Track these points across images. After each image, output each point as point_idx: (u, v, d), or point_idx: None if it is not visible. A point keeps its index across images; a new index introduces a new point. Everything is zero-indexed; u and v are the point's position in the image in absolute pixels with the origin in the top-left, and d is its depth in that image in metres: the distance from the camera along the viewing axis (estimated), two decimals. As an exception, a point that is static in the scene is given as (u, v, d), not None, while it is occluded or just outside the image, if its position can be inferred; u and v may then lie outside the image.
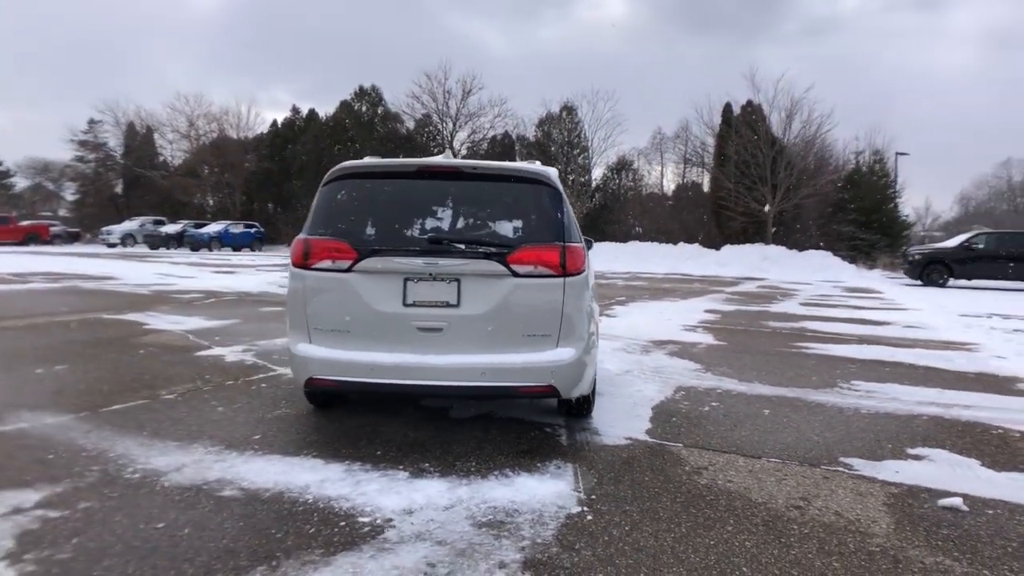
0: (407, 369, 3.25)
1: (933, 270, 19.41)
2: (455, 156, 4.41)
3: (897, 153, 34.27)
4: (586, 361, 3.43)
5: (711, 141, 34.69)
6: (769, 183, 28.97)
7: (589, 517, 2.66)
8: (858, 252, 30.22)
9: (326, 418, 3.93)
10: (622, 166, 39.20)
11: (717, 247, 28.92)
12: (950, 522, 2.66)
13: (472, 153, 37.03)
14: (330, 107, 42.03)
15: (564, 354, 3.34)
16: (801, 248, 28.03)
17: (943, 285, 19.08)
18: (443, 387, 3.29)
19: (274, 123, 42.33)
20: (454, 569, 2.23)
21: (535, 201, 3.44)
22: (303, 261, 3.41)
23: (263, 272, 17.34)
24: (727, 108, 33.37)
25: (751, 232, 29.58)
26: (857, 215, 30.79)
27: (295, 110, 42.19)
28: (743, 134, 30.15)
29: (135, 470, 3.02)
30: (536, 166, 3.58)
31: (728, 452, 3.50)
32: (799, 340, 7.61)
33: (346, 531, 2.48)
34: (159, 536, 2.39)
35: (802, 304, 12.44)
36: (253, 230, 34.54)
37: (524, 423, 3.94)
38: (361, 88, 39.89)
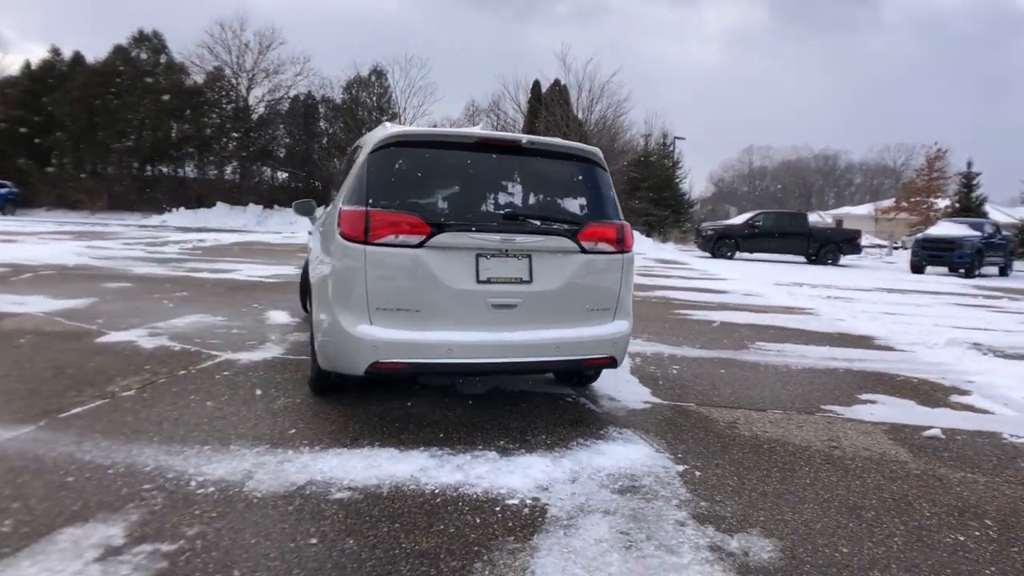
0: (484, 347, 3.17)
1: (723, 244, 22.69)
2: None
3: (676, 137, 39.09)
4: (630, 332, 3.65)
5: (520, 117, 36.15)
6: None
7: (698, 473, 2.92)
8: (652, 227, 34.03)
9: (341, 405, 3.63)
10: (434, 137, 39.12)
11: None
12: (943, 447, 3.42)
13: (273, 113, 34.18)
14: (99, 51, 35.53)
15: (621, 326, 3.52)
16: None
17: (731, 257, 22.40)
18: (517, 363, 3.28)
19: (27, 66, 34.58)
20: (648, 533, 2.34)
21: (591, 178, 3.52)
22: (362, 235, 3.11)
23: (55, 241, 14.46)
24: (536, 85, 35.03)
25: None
26: (649, 193, 34.61)
27: (55, 52, 34.90)
28: (555, 112, 31.95)
29: (200, 483, 2.57)
30: (583, 144, 3.65)
31: (736, 407, 3.99)
32: (674, 308, 8.58)
33: (511, 515, 2.44)
34: (327, 552, 2.12)
35: (636, 275, 13.86)
36: (4, 190, 28.23)
37: (540, 395, 4.04)
38: (141, 32, 34.24)
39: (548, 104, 32.92)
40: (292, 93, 33.35)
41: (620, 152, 33.08)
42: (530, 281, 3.28)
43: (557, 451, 3.11)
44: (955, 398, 4.41)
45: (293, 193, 31.79)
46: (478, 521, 2.39)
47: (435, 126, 38.54)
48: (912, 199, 32.50)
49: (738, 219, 24.51)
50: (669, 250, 26.96)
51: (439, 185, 3.24)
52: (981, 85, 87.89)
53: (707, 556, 2.22)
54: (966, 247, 17.92)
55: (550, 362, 3.33)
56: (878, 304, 10.04)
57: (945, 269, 19.05)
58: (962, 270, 18.32)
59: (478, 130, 3.49)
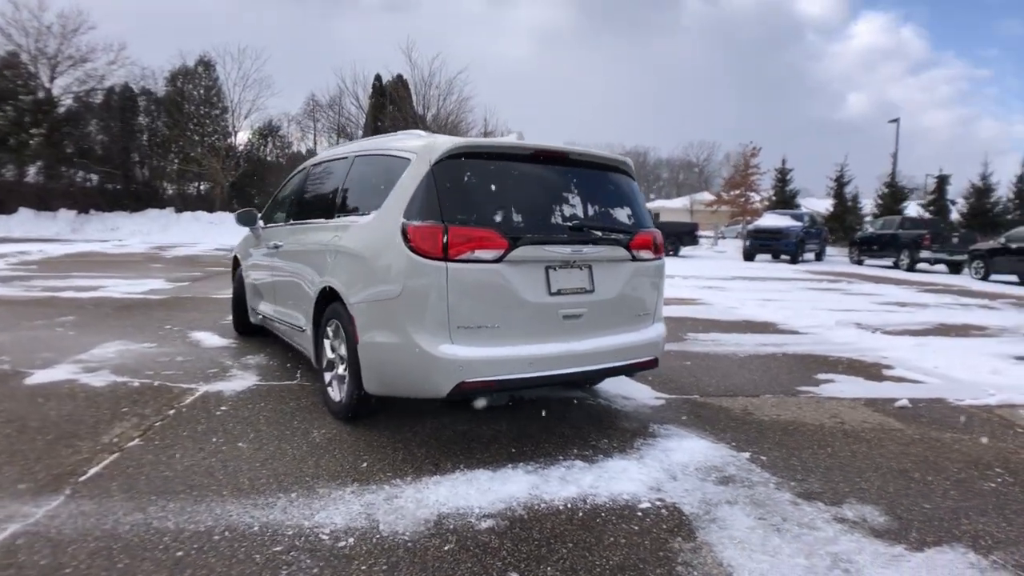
0: (559, 358, 3.21)
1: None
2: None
3: (514, 133, 40.43)
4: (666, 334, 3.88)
5: (359, 112, 35.23)
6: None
7: (763, 458, 3.23)
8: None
9: (381, 430, 3.46)
10: (270, 131, 36.74)
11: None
12: (918, 414, 4.08)
13: (84, 106, 29.87)
14: None
15: (660, 329, 3.74)
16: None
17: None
18: (585, 372, 3.35)
19: None
20: (782, 515, 2.59)
21: (629, 188, 3.69)
22: (440, 252, 2.98)
23: None
24: (378, 80, 34.34)
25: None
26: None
27: None
28: (404, 109, 31.56)
29: (331, 534, 2.37)
30: (618, 155, 3.79)
31: (733, 396, 4.40)
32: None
33: (657, 518, 2.56)
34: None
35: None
36: None
37: (556, 400, 4.14)
38: None
39: (393, 99, 32.39)
40: (106, 84, 29.34)
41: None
42: (592, 291, 3.37)
43: (631, 452, 3.25)
44: (887, 372, 5.24)
45: (111, 196, 28.06)
46: (636, 528, 2.47)
47: (271, 122, 36.27)
48: (732, 192, 36.64)
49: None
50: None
51: (505, 198, 3.20)
52: (769, 86, 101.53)
53: (841, 527, 2.51)
54: (791, 236, 20.76)
55: (610, 368, 3.45)
56: (749, 292, 11.36)
57: (769, 256, 21.92)
58: (787, 257, 21.19)
59: (531, 141, 3.47)
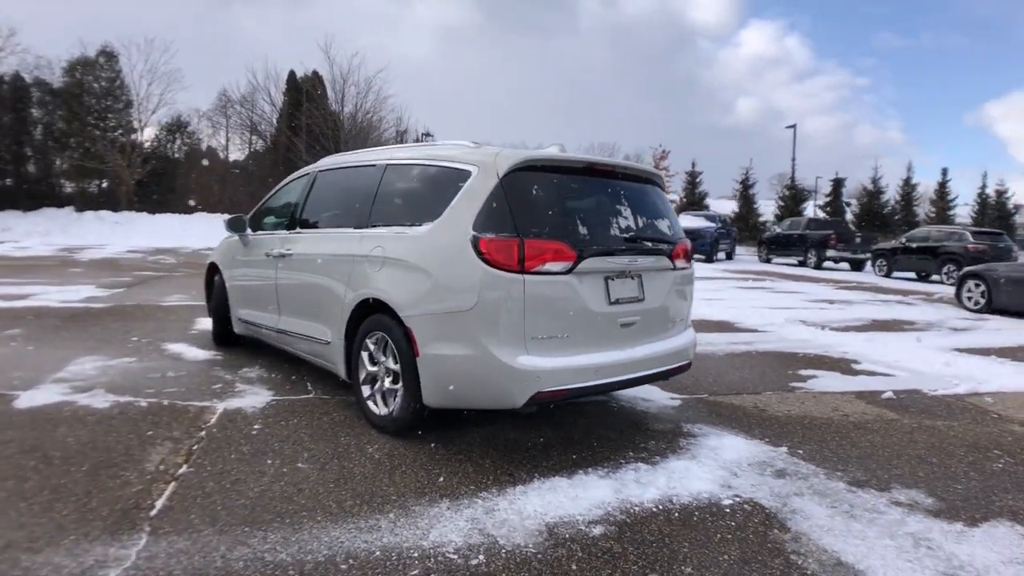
0: (620, 365, 3.32)
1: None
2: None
3: (424, 134, 40.01)
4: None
5: (272, 109, 33.88)
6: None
7: (800, 451, 3.50)
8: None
9: (435, 442, 3.45)
10: (179, 127, 34.51)
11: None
12: (906, 404, 4.52)
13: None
14: None
15: (692, 333, 3.95)
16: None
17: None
18: (638, 378, 3.48)
19: None
20: (848, 503, 2.84)
21: (662, 199, 3.85)
22: (516, 264, 3.02)
23: None
24: (292, 77, 33.11)
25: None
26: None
27: None
28: (322, 106, 30.61)
29: (457, 551, 2.37)
30: (651, 168, 3.94)
31: (737, 394, 4.69)
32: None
33: (745, 514, 2.74)
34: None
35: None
36: None
37: (580, 404, 4.24)
38: None
39: (311, 96, 31.33)
40: (-8, 75, 26.58)
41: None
42: (643, 299, 3.51)
43: (683, 452, 3.42)
44: (856, 366, 5.74)
45: (1, 194, 25.41)
46: (732, 524, 2.64)
47: (180, 117, 34.04)
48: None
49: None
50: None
51: (567, 210, 3.27)
52: (665, 89, 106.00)
53: (901, 510, 2.80)
54: (707, 237, 21.94)
55: (656, 373, 3.60)
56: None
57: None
58: (702, 256, 22.38)
59: (583, 155, 3.55)
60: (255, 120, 35.63)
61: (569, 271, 3.16)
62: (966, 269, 10.60)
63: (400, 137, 37.33)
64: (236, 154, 37.59)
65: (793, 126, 37.40)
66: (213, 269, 5.80)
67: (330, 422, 3.71)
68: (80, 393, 4.02)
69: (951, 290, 11.65)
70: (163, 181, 30.96)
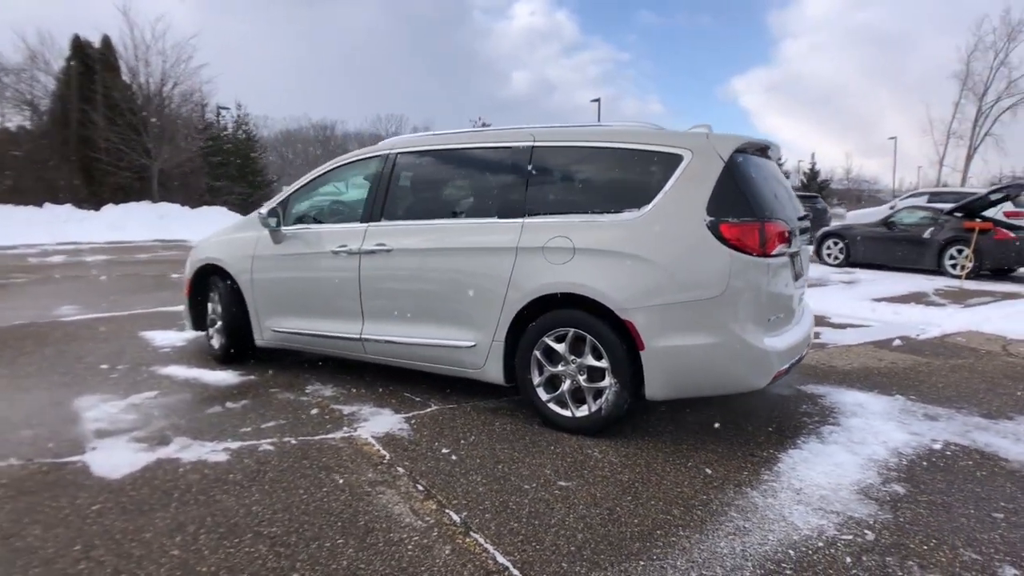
0: (800, 343, 3.49)
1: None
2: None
3: (220, 107, 35.95)
4: None
5: (54, 80, 27.84)
6: (151, 134, 26.27)
7: (913, 396, 4.04)
8: (237, 207, 31.42)
9: (636, 434, 3.36)
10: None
11: (96, 207, 24.65)
12: (920, 348, 5.36)
13: None
14: None
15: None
16: (193, 205, 27.20)
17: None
18: (802, 357, 3.66)
19: None
20: (1016, 434, 3.37)
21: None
22: (759, 248, 3.02)
23: None
24: (77, 43, 27.42)
25: (136, 189, 26.39)
26: (231, 170, 31.72)
27: None
28: (117, 80, 25.91)
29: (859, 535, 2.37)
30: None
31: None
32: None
33: (968, 451, 3.14)
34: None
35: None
36: None
37: None
38: None
39: (110, 67, 26.25)
40: None
41: (203, 127, 29.42)
42: (803, 274, 3.72)
43: (839, 414, 3.76)
44: (837, 320, 6.61)
45: None
46: (971, 463, 3.02)
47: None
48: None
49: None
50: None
51: (768, 191, 3.32)
52: (445, 61, 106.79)
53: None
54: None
55: (807, 351, 3.83)
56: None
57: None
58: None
59: (760, 137, 3.59)
60: (36, 94, 28.74)
61: (787, 253, 3.25)
62: (824, 229, 12.58)
63: (217, 114, 33.06)
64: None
65: (597, 100, 39.99)
66: (208, 272, 4.79)
67: (507, 432, 3.38)
68: (162, 446, 3.14)
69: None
70: None
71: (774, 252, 3.12)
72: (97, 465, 2.92)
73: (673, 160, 3.20)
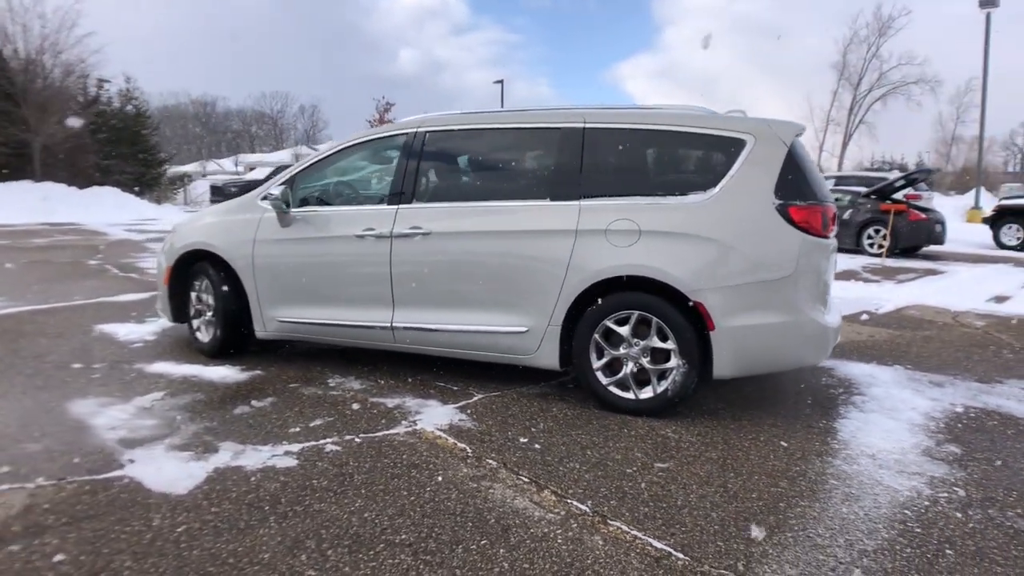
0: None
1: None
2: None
3: (100, 80, 32.53)
4: None
5: None
6: (31, 105, 23.32)
7: (909, 366, 4.39)
8: (126, 186, 28.77)
9: (701, 415, 3.43)
10: None
11: (-31, 186, 21.69)
12: (887, 323, 5.81)
13: None
14: None
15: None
16: (81, 185, 24.59)
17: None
18: None
19: None
20: (1012, 395, 3.76)
21: None
22: (821, 230, 3.16)
23: None
24: None
25: (13, 167, 23.40)
26: (120, 148, 28.89)
27: None
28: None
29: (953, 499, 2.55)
30: None
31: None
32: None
33: (989, 413, 3.47)
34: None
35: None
36: None
37: None
38: None
39: None
40: None
41: (90, 101, 26.51)
42: (827, 256, 3.92)
43: (860, 388, 4.01)
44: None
45: None
46: (995, 422, 3.32)
47: None
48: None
49: (258, 174, 23.73)
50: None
51: (818, 176, 3.45)
52: (331, 37, 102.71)
53: (1040, 393, 3.84)
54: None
55: None
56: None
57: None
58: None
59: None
60: None
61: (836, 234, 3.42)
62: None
63: (99, 86, 29.65)
64: None
65: (500, 81, 39.72)
66: (191, 259, 4.32)
67: (569, 417, 3.33)
68: (210, 453, 2.82)
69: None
70: None
71: (831, 234, 3.27)
72: (150, 479, 2.57)
73: (736, 144, 3.26)
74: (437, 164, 3.86)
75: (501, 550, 2.13)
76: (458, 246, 3.62)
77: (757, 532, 2.26)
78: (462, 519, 2.32)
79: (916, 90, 35.83)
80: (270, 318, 4.13)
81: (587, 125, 3.52)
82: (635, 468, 2.76)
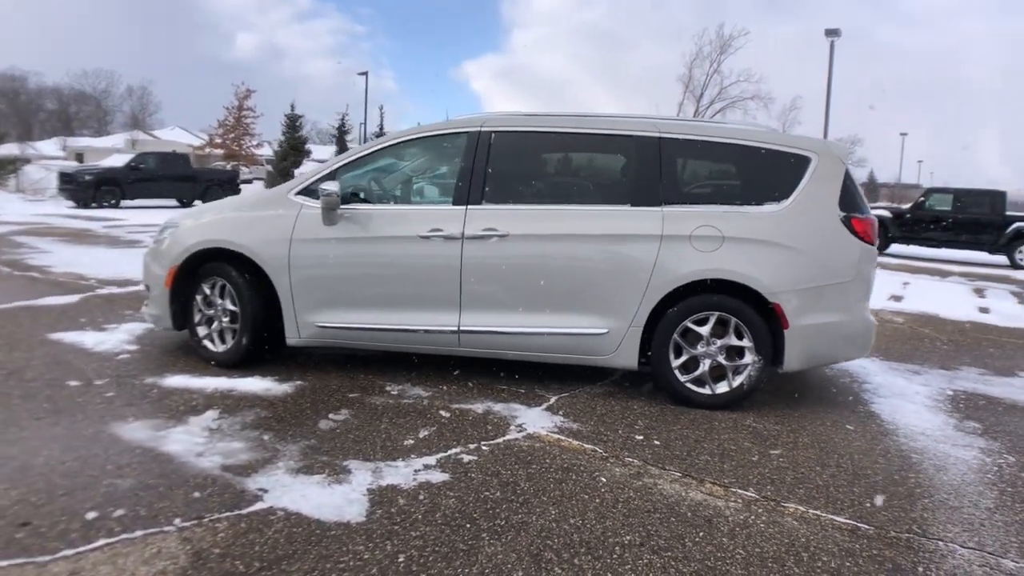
0: None
1: (106, 192, 19.16)
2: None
3: None
4: None
5: None
6: None
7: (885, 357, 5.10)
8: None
9: (765, 408, 3.76)
10: None
11: None
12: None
13: None
14: None
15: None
16: None
17: (116, 206, 19.20)
18: None
19: None
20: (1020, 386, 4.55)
21: None
22: (873, 239, 3.60)
23: None
24: None
25: None
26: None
27: None
28: None
29: None
30: None
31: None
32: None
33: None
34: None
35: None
36: None
37: None
38: None
39: None
40: None
41: None
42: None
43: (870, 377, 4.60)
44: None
45: None
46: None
47: None
48: (227, 136, 34.54)
49: (114, 161, 20.96)
50: (43, 206, 20.02)
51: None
52: (162, 15, 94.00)
53: None
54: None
55: None
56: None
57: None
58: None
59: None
60: None
61: (868, 242, 3.91)
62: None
63: None
64: None
65: (365, 73, 38.26)
66: (201, 258, 3.84)
67: (655, 413, 3.49)
68: (342, 474, 2.61)
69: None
70: None
71: (876, 243, 3.74)
72: (308, 509, 2.31)
73: (803, 161, 3.60)
74: (506, 165, 3.80)
75: (723, 539, 2.25)
76: (538, 249, 3.61)
77: (904, 503, 2.59)
78: (661, 516, 2.39)
79: (752, 105, 39.98)
80: (307, 323, 3.80)
81: (662, 135, 3.68)
82: (757, 456, 2.99)
